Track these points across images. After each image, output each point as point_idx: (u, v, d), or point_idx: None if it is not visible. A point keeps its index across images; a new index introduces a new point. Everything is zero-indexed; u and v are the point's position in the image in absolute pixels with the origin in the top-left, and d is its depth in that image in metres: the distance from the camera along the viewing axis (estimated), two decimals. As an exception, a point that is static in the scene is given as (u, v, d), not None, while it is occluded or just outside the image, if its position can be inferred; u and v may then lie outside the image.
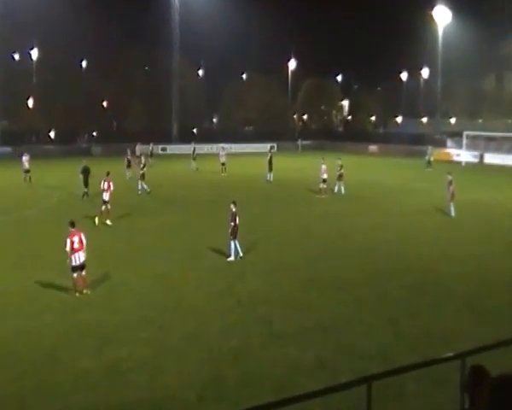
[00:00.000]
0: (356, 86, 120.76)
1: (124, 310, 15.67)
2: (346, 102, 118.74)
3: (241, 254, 20.59)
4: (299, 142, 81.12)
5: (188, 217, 29.17)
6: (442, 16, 75.07)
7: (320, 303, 16.34)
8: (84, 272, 16.46)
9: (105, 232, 25.18)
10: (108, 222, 26.43)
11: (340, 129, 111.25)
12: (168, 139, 74.80)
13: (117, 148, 65.21)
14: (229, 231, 20.36)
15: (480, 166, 57.74)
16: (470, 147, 61.15)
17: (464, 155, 59.77)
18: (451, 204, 29.04)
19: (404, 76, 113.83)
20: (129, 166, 43.23)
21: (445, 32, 76.05)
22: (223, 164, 47.97)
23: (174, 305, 16.11)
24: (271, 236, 24.74)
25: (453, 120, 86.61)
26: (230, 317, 15.19)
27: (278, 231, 25.77)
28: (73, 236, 16.27)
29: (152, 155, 55.07)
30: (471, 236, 25.12)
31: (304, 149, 78.36)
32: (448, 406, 8.86)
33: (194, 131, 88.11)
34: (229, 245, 20.53)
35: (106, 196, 26.79)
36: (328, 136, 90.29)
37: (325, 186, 35.71)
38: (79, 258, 16.19)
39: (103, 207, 26.91)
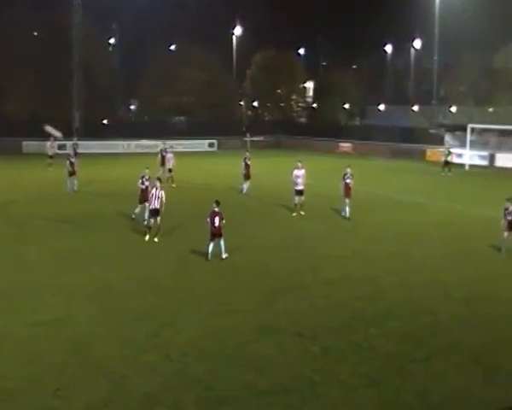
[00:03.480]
0: (324, 63, 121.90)
1: (13, 368, 15.35)
2: (310, 85, 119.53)
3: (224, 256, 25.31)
4: (248, 137, 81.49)
5: (98, 241, 29.03)
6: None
7: (277, 357, 16.30)
8: None
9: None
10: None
11: (303, 120, 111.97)
12: (68, 133, 73.81)
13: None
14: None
15: (491, 170, 58.88)
16: (477, 144, 62.20)
17: (468, 156, 60.77)
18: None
19: (388, 50, 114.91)
20: (73, 173, 42.60)
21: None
22: (170, 170, 46.88)
23: (79, 362, 15.81)
24: (216, 267, 24.74)
25: (454, 109, 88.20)
26: (157, 377, 15.00)
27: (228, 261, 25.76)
28: None
29: (76, 154, 54.60)
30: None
31: (254, 147, 78.72)
32: None
33: (105, 122, 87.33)
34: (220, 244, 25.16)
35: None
36: (286, 129, 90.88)
37: (302, 199, 35.76)
38: None
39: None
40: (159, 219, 28.35)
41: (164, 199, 28.27)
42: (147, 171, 32.36)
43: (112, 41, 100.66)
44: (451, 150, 58.92)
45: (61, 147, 58.90)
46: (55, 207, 37.85)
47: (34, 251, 27.08)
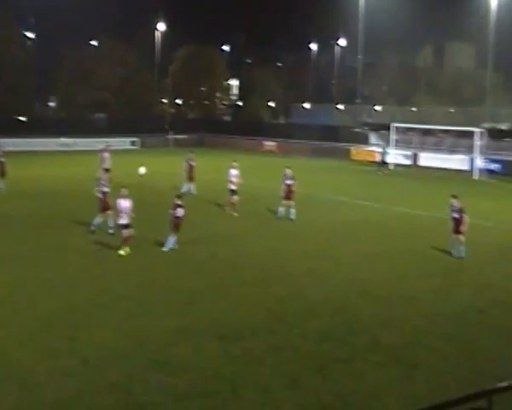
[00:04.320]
0: (248, 61, 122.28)
1: None
2: (234, 82, 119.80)
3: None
4: (171, 135, 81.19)
5: (12, 242, 28.44)
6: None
7: (196, 359, 16.25)
8: None
9: None
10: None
11: (227, 118, 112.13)
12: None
13: None
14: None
15: (414, 169, 59.87)
16: (400, 143, 63.15)
17: (393, 155, 61.64)
18: None
19: (313, 48, 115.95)
20: (3, 173, 41.22)
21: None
22: (107, 170, 45.32)
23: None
24: (134, 266, 24.51)
25: (379, 108, 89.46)
26: (72, 383, 14.76)
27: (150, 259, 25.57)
28: None
29: None
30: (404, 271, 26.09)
31: (177, 145, 78.46)
32: None
33: (22, 118, 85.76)
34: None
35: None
36: (210, 127, 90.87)
37: (236, 198, 35.67)
38: None
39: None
40: (131, 230, 26.43)
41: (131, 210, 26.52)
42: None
43: (30, 35, 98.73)
44: (387, 149, 59.94)
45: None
46: None
47: None
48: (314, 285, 22.76)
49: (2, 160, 41.25)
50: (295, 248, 28.22)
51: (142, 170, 22.41)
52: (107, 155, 45.13)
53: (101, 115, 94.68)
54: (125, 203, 26.25)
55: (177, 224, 26.72)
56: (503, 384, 7.45)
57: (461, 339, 18.10)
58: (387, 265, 26.05)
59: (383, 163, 58.30)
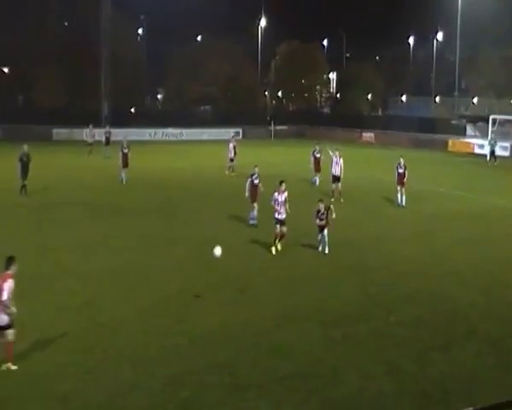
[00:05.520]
0: (348, 55, 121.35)
1: (39, 353, 15.37)
2: (334, 76, 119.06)
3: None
4: (273, 127, 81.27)
5: (126, 228, 28.98)
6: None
7: (298, 344, 16.20)
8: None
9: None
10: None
11: (327, 110, 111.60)
12: (97, 121, 73.69)
13: (24, 130, 64.84)
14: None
15: (512, 161, 58.33)
16: (499, 136, 61.50)
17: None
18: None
19: (411, 42, 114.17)
20: (126, 165, 41.36)
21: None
22: (231, 160, 45.96)
23: (104, 347, 15.80)
24: (233, 249, 24.55)
25: (476, 100, 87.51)
26: (181, 361, 14.97)
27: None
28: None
29: (109, 142, 54.88)
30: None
31: (278, 136, 78.52)
32: None
33: (132, 110, 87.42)
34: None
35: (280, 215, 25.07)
36: (310, 119, 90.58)
37: (339, 185, 36.12)
38: None
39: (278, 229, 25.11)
40: (284, 228, 24.80)
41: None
42: (256, 169, 30.06)
43: (140, 31, 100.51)
44: (496, 141, 58.59)
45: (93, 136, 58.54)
46: (86, 193, 37.41)
47: (61, 236, 27.01)
48: (412, 273, 22.47)
49: (126, 151, 41.03)
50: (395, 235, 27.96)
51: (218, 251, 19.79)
52: (232, 144, 45.58)
53: (207, 108, 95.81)
54: (281, 198, 25.07)
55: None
56: None
57: None
58: (486, 253, 25.49)
59: (492, 155, 56.88)
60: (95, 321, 17.41)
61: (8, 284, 13.88)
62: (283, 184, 25.18)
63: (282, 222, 24.62)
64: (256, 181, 29.48)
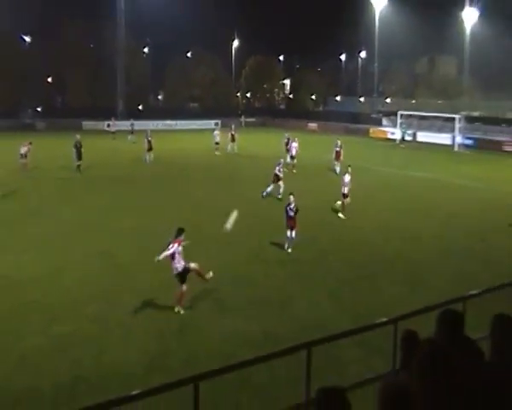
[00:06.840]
0: (297, 66, 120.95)
1: (73, 285, 15.16)
2: (287, 81, 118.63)
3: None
4: (243, 118, 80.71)
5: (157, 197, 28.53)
6: (378, 0, 75.98)
7: (266, 278, 16.17)
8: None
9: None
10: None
11: (282, 107, 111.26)
12: (114, 115, 72.57)
13: (61, 123, 64.78)
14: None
15: (414, 144, 58.66)
16: (404, 125, 61.89)
17: (398, 133, 60.54)
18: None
19: (343, 58, 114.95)
20: (150, 148, 39.67)
21: (381, 17, 76.77)
22: (216, 143, 44.93)
23: (120, 281, 15.62)
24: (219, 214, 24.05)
25: (389, 100, 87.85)
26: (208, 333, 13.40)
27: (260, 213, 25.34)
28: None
29: (133, 131, 53.92)
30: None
31: (247, 125, 77.92)
32: (383, 369, 8.87)
33: (140, 107, 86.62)
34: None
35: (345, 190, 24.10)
36: (270, 113, 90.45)
37: (294, 162, 36.07)
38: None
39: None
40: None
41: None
42: (282, 160, 28.52)
43: (146, 50, 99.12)
44: (407, 130, 59.32)
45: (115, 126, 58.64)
46: (121, 170, 36.36)
47: (98, 200, 26.47)
48: (349, 226, 22.37)
49: (150, 139, 39.60)
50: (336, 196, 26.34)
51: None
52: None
53: (195, 105, 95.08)
54: (347, 178, 24.03)
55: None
56: None
57: None
58: (403, 209, 25.36)
59: (403, 140, 57.65)
60: (115, 264, 17.22)
61: (177, 246, 13.41)
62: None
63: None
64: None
